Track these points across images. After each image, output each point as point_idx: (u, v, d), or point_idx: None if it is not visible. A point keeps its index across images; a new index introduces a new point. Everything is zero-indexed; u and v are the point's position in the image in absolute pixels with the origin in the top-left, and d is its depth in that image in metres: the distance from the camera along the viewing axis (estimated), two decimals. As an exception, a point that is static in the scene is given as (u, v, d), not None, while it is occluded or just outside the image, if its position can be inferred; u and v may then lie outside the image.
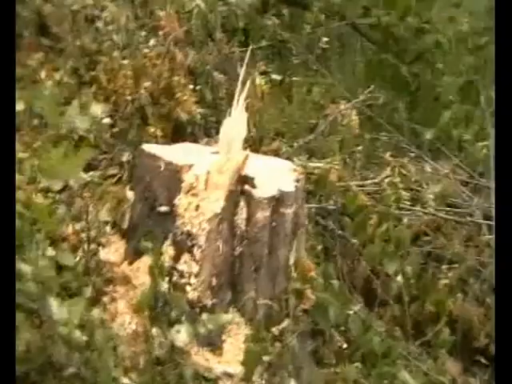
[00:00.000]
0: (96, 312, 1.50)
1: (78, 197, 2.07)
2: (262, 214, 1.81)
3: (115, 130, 2.73)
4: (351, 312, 2.06)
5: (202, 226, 1.77)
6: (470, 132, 3.83)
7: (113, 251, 1.94)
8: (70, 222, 2.03)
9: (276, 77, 3.38)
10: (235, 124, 1.99)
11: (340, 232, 2.56)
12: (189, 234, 1.79)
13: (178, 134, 2.91)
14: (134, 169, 2.04)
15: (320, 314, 1.96)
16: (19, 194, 2.04)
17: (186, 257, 1.78)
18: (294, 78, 3.48)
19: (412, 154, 3.26)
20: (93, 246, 1.97)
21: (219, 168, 1.85)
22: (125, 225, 1.93)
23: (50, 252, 1.86)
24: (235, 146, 1.94)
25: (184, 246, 1.79)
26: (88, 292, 1.80)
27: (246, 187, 1.84)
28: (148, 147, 1.95)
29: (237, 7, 3.58)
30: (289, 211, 1.88)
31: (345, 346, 1.96)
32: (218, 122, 3.14)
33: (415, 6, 3.96)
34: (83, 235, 2.01)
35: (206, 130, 3.06)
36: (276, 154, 2.89)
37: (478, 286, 2.58)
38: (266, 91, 2.99)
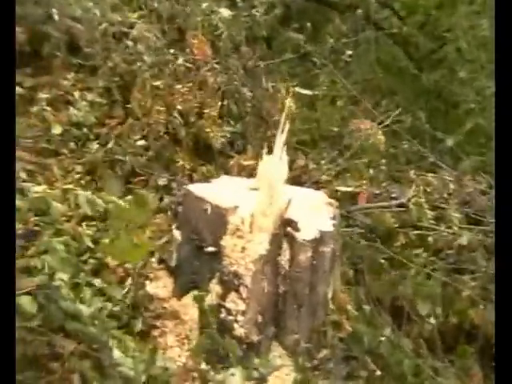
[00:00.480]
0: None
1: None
2: (305, 255, 1.93)
3: (150, 153, 2.82)
4: (383, 338, 2.17)
5: (248, 266, 1.88)
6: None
7: (161, 286, 2.04)
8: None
9: (304, 91, 3.44)
10: (276, 164, 2.07)
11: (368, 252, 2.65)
12: (235, 274, 1.88)
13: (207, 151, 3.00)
14: (179, 208, 2.10)
15: (355, 341, 2.07)
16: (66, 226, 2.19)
17: (232, 295, 1.88)
18: (317, 92, 3.54)
19: (432, 163, 3.30)
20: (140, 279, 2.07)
21: (263, 211, 1.95)
22: (173, 263, 2.03)
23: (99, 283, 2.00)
24: (277, 186, 2.02)
25: (231, 285, 1.90)
26: (138, 325, 1.92)
27: (289, 230, 1.93)
28: (194, 188, 2.05)
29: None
30: (328, 249, 2.00)
31: (378, 372, 2.07)
32: (244, 137, 3.28)
33: (435, 14, 3.98)
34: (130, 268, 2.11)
35: (234, 145, 3.16)
36: (303, 171, 3.01)
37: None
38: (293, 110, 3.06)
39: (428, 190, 3.02)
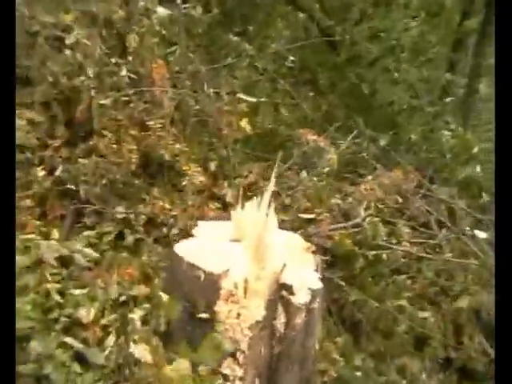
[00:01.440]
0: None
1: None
2: (300, 318, 1.96)
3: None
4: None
5: (245, 332, 1.87)
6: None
7: (149, 350, 1.99)
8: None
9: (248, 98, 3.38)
10: (262, 220, 2.05)
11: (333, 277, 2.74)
12: (230, 338, 1.87)
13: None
14: (165, 271, 2.03)
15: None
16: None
17: (229, 361, 1.88)
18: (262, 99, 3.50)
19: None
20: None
21: (256, 275, 1.94)
22: (161, 327, 1.97)
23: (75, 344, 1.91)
24: (266, 245, 2.04)
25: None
26: (129, 397, 1.88)
27: (285, 294, 1.94)
28: (180, 250, 2.01)
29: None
30: (317, 306, 2.03)
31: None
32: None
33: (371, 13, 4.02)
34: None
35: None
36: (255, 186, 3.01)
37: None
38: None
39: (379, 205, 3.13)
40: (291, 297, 1.92)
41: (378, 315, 2.84)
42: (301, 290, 1.95)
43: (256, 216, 2.13)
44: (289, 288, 1.92)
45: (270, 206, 2.10)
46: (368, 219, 2.98)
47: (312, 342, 2.05)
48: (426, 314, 2.80)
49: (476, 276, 2.87)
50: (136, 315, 2.02)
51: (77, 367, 1.81)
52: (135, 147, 2.51)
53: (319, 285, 2.01)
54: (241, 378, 1.84)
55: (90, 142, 2.49)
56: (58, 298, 2.03)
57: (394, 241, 3.03)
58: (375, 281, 2.83)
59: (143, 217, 2.63)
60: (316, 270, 2.11)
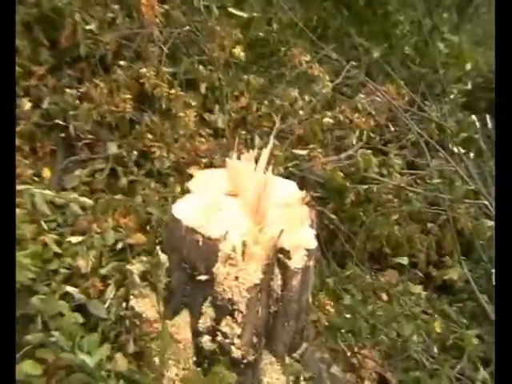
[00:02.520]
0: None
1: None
2: (296, 280, 2.02)
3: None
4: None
5: (242, 294, 1.94)
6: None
7: (149, 307, 2.06)
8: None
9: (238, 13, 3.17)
10: (259, 180, 2.05)
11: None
12: (229, 300, 1.94)
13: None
14: (163, 231, 2.04)
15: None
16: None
17: (227, 320, 1.96)
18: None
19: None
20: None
21: (254, 239, 1.95)
22: (161, 285, 2.03)
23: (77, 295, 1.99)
24: (263, 207, 2.05)
25: (225, 310, 1.95)
26: (131, 347, 1.99)
27: (282, 258, 1.98)
28: (178, 211, 1.99)
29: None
30: (312, 262, 2.09)
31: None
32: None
33: None
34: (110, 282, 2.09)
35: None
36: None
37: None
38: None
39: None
40: (288, 261, 1.93)
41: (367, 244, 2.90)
42: (297, 253, 1.95)
43: (253, 173, 2.07)
44: (286, 252, 1.93)
45: (268, 165, 2.03)
46: (360, 151, 2.93)
47: (306, 296, 2.10)
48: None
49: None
50: (135, 268, 2.03)
51: (79, 318, 1.85)
52: (129, 96, 2.34)
53: (315, 243, 2.01)
54: (239, 336, 1.90)
55: (81, 89, 2.29)
56: (56, 248, 2.02)
57: (385, 171, 3.02)
58: (366, 214, 2.87)
59: (135, 152, 2.54)
60: (311, 226, 2.10)
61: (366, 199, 2.85)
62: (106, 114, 2.35)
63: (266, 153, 2.03)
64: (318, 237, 2.16)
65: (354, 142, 3.03)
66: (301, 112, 3.25)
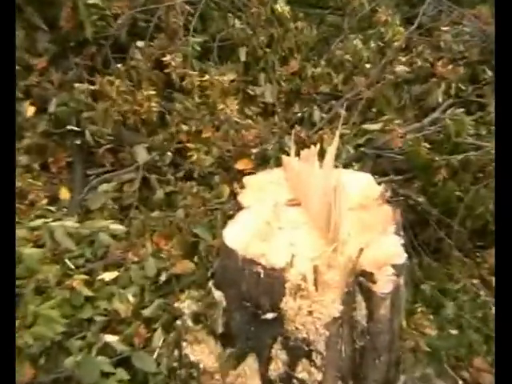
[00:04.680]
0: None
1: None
2: (385, 307, 1.88)
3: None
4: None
5: (320, 331, 1.84)
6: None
7: (207, 354, 1.99)
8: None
9: None
10: (328, 181, 1.91)
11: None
12: (304, 340, 1.84)
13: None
14: (216, 263, 1.95)
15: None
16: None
17: (304, 363, 1.87)
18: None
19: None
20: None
21: (328, 262, 1.84)
22: (219, 329, 1.95)
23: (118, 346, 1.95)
24: (331, 215, 1.89)
25: (300, 352, 1.86)
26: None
27: (364, 282, 1.85)
28: (231, 239, 1.89)
29: None
30: (402, 280, 1.95)
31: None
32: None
33: None
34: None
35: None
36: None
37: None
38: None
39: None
40: (372, 285, 1.80)
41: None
42: (383, 273, 1.81)
43: (319, 173, 1.93)
44: (369, 275, 1.80)
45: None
46: (449, 111, 2.71)
47: (399, 321, 1.98)
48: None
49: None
50: (185, 306, 1.97)
51: (124, 374, 1.82)
52: (154, 92, 2.22)
53: (403, 256, 1.87)
54: (320, 382, 1.82)
55: (94, 83, 2.19)
56: (86, 291, 1.98)
57: (484, 131, 2.79)
58: (463, 189, 2.68)
59: (169, 154, 2.44)
60: (396, 231, 1.95)
61: (461, 171, 2.63)
62: (128, 114, 2.22)
63: (332, 149, 1.86)
64: (404, 230, 1.99)
65: (440, 100, 2.79)
66: (367, 66, 3.02)
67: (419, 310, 2.29)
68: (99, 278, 2.04)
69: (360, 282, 1.85)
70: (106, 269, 2.10)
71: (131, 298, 2.00)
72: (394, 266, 1.86)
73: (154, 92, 2.34)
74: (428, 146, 2.74)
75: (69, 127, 2.32)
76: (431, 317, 2.27)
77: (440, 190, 2.73)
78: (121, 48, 2.57)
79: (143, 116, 2.33)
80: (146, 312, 2.03)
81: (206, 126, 2.60)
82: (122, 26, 2.53)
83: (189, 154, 2.40)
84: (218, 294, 1.93)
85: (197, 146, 2.38)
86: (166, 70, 2.42)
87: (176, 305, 2.02)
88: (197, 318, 1.99)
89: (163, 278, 2.09)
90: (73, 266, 2.01)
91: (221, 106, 2.37)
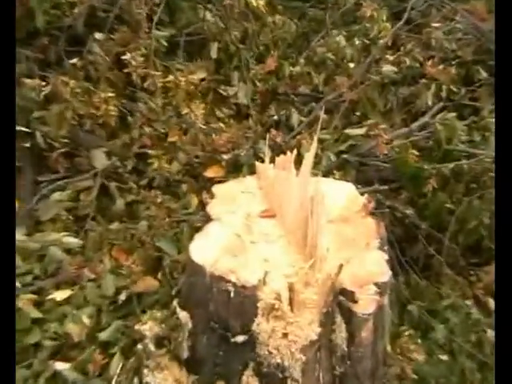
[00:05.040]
0: None
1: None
2: (367, 329, 1.93)
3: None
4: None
5: (296, 356, 1.88)
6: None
7: (171, 382, 2.03)
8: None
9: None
10: (302, 191, 1.97)
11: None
12: (279, 366, 1.89)
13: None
14: (182, 281, 1.99)
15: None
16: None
17: (278, 392, 1.91)
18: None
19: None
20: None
21: (305, 279, 1.89)
22: (184, 354, 1.99)
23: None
24: (309, 228, 1.94)
25: (273, 379, 1.89)
26: None
27: (344, 302, 1.90)
28: (198, 254, 1.93)
29: None
30: (386, 300, 2.00)
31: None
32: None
33: None
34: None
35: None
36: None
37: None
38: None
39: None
40: (353, 305, 1.85)
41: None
42: (365, 291, 1.87)
43: (295, 182, 1.98)
44: (349, 294, 1.85)
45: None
46: (440, 116, 2.78)
47: (383, 345, 2.03)
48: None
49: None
50: (147, 329, 2.00)
51: None
52: (113, 94, 2.25)
53: (388, 273, 1.93)
54: (296, 412, 1.85)
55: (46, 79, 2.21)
56: (34, 312, 2.00)
57: (478, 137, 2.86)
58: (454, 201, 2.75)
59: (131, 159, 2.48)
60: (381, 246, 2.01)
61: (453, 181, 2.70)
62: (84, 118, 2.25)
63: (311, 153, 1.93)
64: (391, 245, 2.06)
65: (430, 103, 2.86)
66: (351, 65, 3.09)
67: (406, 332, 2.31)
68: (50, 297, 2.05)
69: (340, 301, 1.89)
70: (57, 287, 2.10)
71: (86, 320, 2.02)
72: (377, 285, 1.91)
73: (112, 94, 2.36)
74: (416, 153, 2.80)
75: (17, 128, 2.33)
76: (419, 340, 2.30)
77: (430, 201, 2.79)
78: (77, 40, 2.59)
79: (101, 120, 2.35)
80: (103, 335, 2.04)
81: (172, 128, 2.62)
82: (78, 16, 2.55)
83: (150, 160, 2.43)
84: (183, 315, 1.95)
85: (158, 153, 2.41)
86: (126, 70, 2.44)
87: (137, 327, 2.03)
88: (160, 341, 2.00)
89: (123, 297, 2.11)
90: (19, 285, 2.02)
91: (185, 111, 2.40)
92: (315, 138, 1.90)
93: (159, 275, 2.16)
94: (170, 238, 2.24)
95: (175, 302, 1.98)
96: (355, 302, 1.88)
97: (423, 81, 3.03)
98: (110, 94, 2.34)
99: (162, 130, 2.59)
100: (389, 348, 2.05)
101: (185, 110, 2.44)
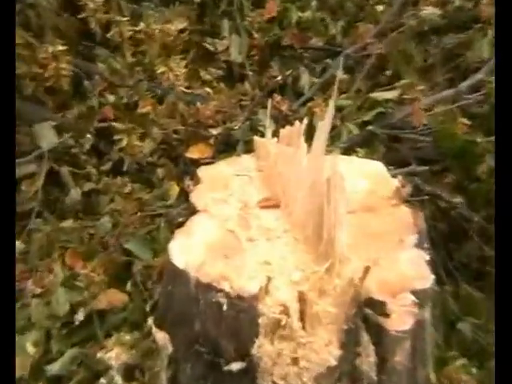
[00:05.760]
0: None
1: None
2: (402, 352, 1.96)
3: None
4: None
5: (310, 386, 1.90)
6: None
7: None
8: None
9: None
10: (316, 173, 2.00)
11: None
12: (288, 398, 1.92)
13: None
14: (158, 292, 2.02)
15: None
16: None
17: (288, 432, 1.94)
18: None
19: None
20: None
21: (319, 286, 1.90)
22: (162, 387, 2.02)
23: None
24: (324, 221, 1.96)
25: (282, 416, 1.93)
26: None
27: (371, 316, 1.93)
28: (179, 256, 1.96)
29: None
30: (427, 315, 2.03)
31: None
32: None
33: None
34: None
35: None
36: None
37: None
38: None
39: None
40: (384, 320, 1.87)
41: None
42: (399, 302, 1.90)
43: (305, 162, 2.00)
44: (378, 306, 1.86)
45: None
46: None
47: (424, 373, 2.06)
48: None
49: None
50: (112, 357, 2.04)
51: None
52: (64, 47, 2.28)
53: (430, 278, 1.95)
54: None
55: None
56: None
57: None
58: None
59: (89, 137, 2.50)
60: (419, 243, 2.04)
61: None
62: (26, 79, 2.28)
63: (326, 122, 1.94)
64: (433, 244, 2.08)
65: (486, 55, 2.88)
66: (378, 8, 3.11)
67: (456, 358, 2.33)
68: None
69: (366, 315, 1.91)
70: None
71: (31, 348, 2.04)
72: (415, 293, 1.92)
73: (62, 48, 2.38)
74: (467, 122, 2.81)
75: None
76: (473, 370, 2.31)
77: (484, 186, 2.79)
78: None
79: (48, 83, 2.37)
80: (54, 368, 2.06)
81: (143, 96, 2.63)
82: None
83: (114, 138, 2.44)
84: (160, 337, 1.97)
85: (125, 128, 2.42)
86: (80, 15, 2.47)
87: (99, 355, 2.06)
88: (130, 372, 2.03)
89: (80, 316, 2.12)
90: None
91: (161, 70, 2.41)
92: (331, 104, 1.91)
93: (128, 286, 2.15)
94: (142, 237, 2.25)
95: (150, 321, 1.98)
96: (386, 315, 1.89)
97: (477, 26, 3.02)
98: (61, 48, 2.35)
99: (131, 98, 2.59)
100: (433, 377, 2.05)
101: (160, 69, 2.44)
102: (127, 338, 2.05)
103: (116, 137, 2.51)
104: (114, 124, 2.54)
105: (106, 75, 2.61)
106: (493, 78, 2.82)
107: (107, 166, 2.58)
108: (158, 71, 2.49)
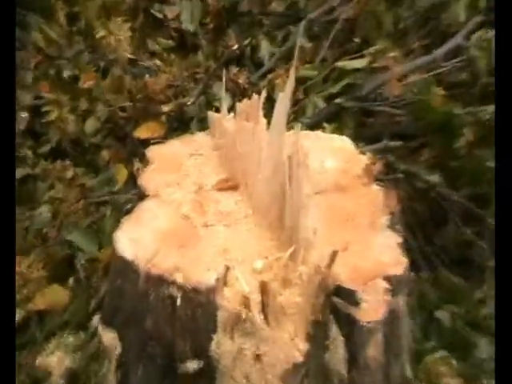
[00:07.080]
0: None
1: None
2: (376, 347, 1.98)
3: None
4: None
5: (273, 385, 1.92)
6: None
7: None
8: None
9: None
10: (275, 148, 2.01)
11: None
12: (249, 401, 1.94)
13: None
14: (104, 288, 2.03)
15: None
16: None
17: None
18: None
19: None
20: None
21: (282, 275, 1.92)
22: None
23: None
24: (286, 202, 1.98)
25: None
26: None
27: (341, 305, 1.95)
28: (126, 245, 1.97)
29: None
30: (402, 303, 2.06)
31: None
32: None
33: None
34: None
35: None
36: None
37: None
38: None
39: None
40: (354, 310, 1.89)
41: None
42: (371, 291, 1.91)
43: (266, 143, 2.02)
44: (348, 294, 1.88)
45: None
46: (477, 34, 2.82)
47: (399, 367, 2.08)
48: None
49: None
50: (53, 360, 2.04)
51: None
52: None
53: (403, 263, 1.97)
54: None
55: None
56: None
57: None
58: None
59: (24, 115, 2.50)
60: (391, 225, 2.06)
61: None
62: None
63: (287, 94, 1.95)
64: (410, 228, 2.10)
65: (463, 17, 2.89)
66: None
67: (435, 351, 2.35)
68: None
69: (334, 305, 1.93)
70: None
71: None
72: (388, 280, 1.95)
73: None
74: (444, 92, 2.83)
75: None
76: (453, 362, 2.33)
77: (465, 162, 2.81)
78: None
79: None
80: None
81: (83, 68, 2.63)
82: None
83: (51, 117, 2.42)
84: (108, 337, 1.98)
85: (63, 105, 2.40)
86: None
87: (38, 361, 2.06)
88: (74, 378, 2.04)
89: (18, 316, 2.13)
90: None
91: (101, 33, 2.39)
92: (292, 74, 1.92)
93: (70, 282, 2.14)
94: (86, 228, 2.24)
95: (95, 320, 1.98)
96: (357, 305, 1.90)
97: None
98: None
99: (69, 72, 2.57)
100: (409, 373, 2.07)
101: (100, 33, 2.42)
102: (70, 340, 2.04)
103: (52, 116, 2.48)
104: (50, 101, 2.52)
105: (41, 44, 2.58)
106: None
107: (45, 149, 2.56)
108: (98, 35, 2.45)
